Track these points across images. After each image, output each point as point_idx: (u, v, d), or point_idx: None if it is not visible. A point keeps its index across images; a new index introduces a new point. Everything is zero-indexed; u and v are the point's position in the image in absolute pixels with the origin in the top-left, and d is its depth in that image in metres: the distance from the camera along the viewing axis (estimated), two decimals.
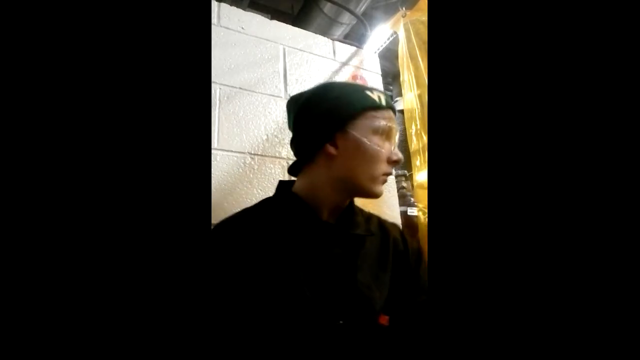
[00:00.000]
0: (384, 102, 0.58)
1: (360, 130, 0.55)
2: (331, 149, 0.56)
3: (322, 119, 0.56)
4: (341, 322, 0.49)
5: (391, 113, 0.58)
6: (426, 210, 1.56)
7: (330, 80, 1.13)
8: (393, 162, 0.56)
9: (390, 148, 0.56)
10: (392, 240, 0.61)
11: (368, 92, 0.58)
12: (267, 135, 0.95)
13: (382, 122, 0.56)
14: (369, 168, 0.55)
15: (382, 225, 0.64)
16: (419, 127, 1.64)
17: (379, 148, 0.55)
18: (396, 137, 0.58)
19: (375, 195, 0.56)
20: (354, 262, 0.54)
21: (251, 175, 0.90)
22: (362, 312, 0.51)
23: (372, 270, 0.55)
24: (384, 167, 0.55)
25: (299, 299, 0.49)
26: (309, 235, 0.55)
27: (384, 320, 0.52)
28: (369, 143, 0.54)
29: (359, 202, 0.64)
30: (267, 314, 0.48)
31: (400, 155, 0.56)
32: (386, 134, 0.56)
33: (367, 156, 0.55)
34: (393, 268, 0.58)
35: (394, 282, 0.57)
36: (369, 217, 0.65)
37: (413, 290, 0.58)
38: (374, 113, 0.56)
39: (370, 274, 0.54)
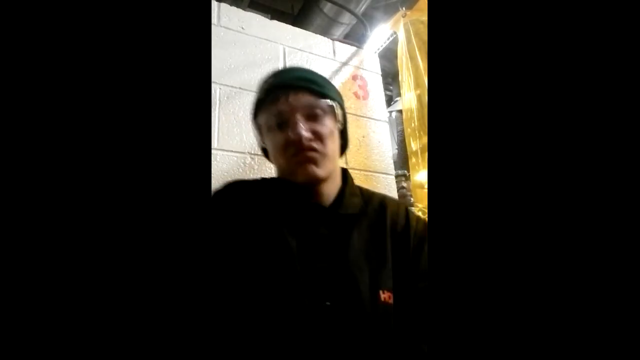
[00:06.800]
0: (263, 93, 0.57)
1: (261, 133, 0.59)
2: (266, 153, 0.62)
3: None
4: (328, 303, 0.47)
5: (278, 93, 0.55)
6: (426, 210, 1.56)
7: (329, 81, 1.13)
8: (292, 141, 0.52)
9: (287, 133, 0.53)
10: (390, 218, 0.57)
11: (260, 87, 0.60)
12: None
13: (266, 115, 0.55)
14: (279, 162, 0.57)
15: (383, 204, 0.60)
16: (417, 127, 1.64)
17: (273, 142, 0.55)
18: (294, 116, 0.53)
19: (298, 181, 0.54)
20: (341, 242, 0.52)
21: (251, 175, 0.90)
22: (350, 293, 0.48)
23: (362, 250, 0.52)
24: (289, 151, 0.53)
25: (285, 281, 0.48)
26: (297, 216, 0.54)
27: (386, 296, 0.49)
28: (268, 142, 0.57)
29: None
30: (254, 294, 0.47)
31: (296, 132, 0.52)
32: (279, 121, 0.54)
33: (273, 152, 0.57)
34: (392, 248, 0.54)
35: (392, 261, 0.53)
36: (370, 197, 0.62)
37: (411, 274, 0.54)
38: (263, 109, 0.57)
39: (361, 254, 0.52)
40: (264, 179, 0.63)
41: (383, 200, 0.62)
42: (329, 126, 0.55)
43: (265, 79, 0.60)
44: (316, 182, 0.55)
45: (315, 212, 0.55)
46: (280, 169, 0.58)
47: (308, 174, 0.53)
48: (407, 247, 0.56)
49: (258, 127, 0.59)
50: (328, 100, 0.56)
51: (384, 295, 0.49)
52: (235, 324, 0.47)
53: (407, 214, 0.60)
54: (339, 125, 0.58)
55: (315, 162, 0.53)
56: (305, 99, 0.54)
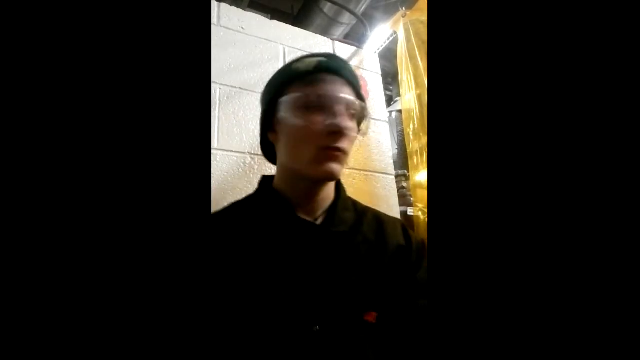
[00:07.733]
0: (311, 68, 0.51)
1: (287, 111, 0.50)
2: (272, 137, 0.55)
3: (261, 107, 0.57)
4: (317, 327, 0.45)
5: (325, 77, 0.50)
6: (426, 210, 1.56)
7: None
8: (332, 134, 0.47)
9: (323, 120, 0.48)
10: (387, 235, 0.56)
11: (295, 64, 0.54)
12: None
13: (307, 93, 0.49)
14: (302, 149, 0.49)
15: (379, 220, 0.59)
16: (417, 127, 1.64)
17: (306, 124, 0.48)
18: (338, 105, 0.49)
19: (318, 177, 0.50)
20: (334, 262, 0.49)
21: (251, 175, 0.90)
22: (340, 316, 0.46)
23: (358, 270, 0.50)
24: (319, 142, 0.48)
25: (271, 304, 0.45)
26: (285, 234, 0.51)
27: (371, 317, 0.47)
28: (295, 122, 0.49)
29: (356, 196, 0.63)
30: (239, 317, 0.45)
31: (338, 124, 0.47)
32: (316, 104, 0.49)
33: (297, 137, 0.50)
34: (390, 265, 0.53)
35: (389, 279, 0.51)
36: (364, 212, 0.59)
37: (410, 290, 0.52)
38: (298, 86, 0.51)
39: (356, 274, 0.50)
40: (251, 196, 0.59)
41: (378, 216, 0.60)
42: (355, 130, 0.52)
43: (308, 55, 0.55)
44: (331, 181, 0.53)
45: (305, 230, 0.52)
46: (294, 158, 0.51)
47: (330, 172, 0.49)
48: (408, 264, 0.54)
49: (280, 103, 0.52)
50: (367, 106, 0.54)
51: (369, 317, 0.47)
52: (223, 347, 0.44)
53: (405, 230, 0.59)
54: (362, 133, 0.56)
55: (340, 161, 0.49)
56: (350, 93, 0.51)
